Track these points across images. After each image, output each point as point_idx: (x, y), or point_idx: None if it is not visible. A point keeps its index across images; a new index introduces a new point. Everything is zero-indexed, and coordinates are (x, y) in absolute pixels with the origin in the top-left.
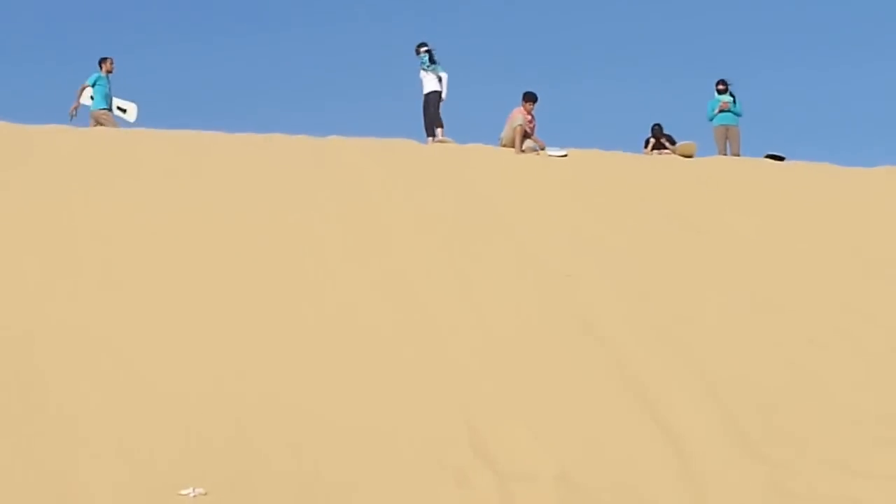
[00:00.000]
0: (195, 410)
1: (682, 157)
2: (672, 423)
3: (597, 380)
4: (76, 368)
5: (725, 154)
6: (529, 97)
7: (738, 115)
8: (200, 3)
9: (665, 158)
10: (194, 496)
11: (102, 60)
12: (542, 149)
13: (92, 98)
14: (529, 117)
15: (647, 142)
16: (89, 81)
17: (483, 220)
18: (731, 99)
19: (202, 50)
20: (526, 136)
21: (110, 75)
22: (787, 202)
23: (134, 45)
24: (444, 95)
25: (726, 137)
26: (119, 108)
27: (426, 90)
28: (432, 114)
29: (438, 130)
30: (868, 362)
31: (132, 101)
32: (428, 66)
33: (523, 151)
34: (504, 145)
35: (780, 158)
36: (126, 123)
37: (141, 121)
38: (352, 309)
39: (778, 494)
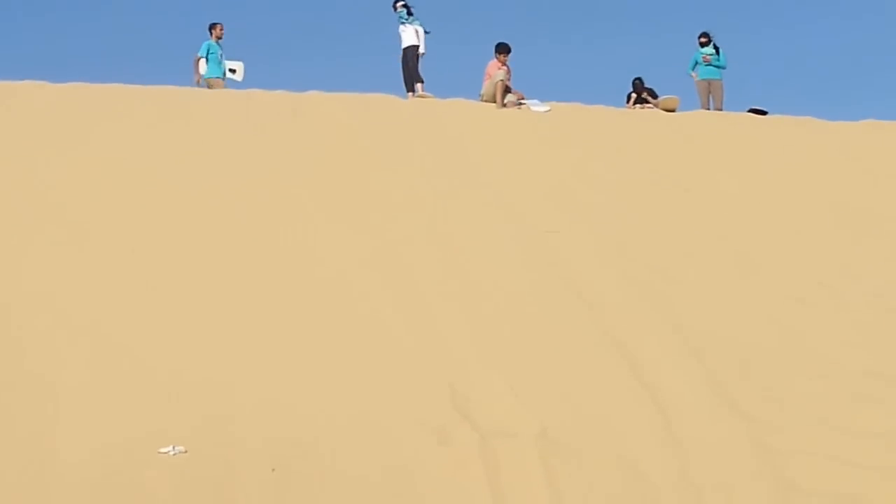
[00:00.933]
0: (175, 377)
1: (664, 112)
2: (654, 381)
3: (578, 338)
4: (54, 337)
5: (708, 108)
6: (503, 48)
7: (721, 68)
8: None
9: (647, 113)
10: (174, 454)
11: (212, 27)
12: (522, 100)
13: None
14: (505, 69)
15: (629, 97)
16: (201, 52)
17: (465, 176)
18: (714, 52)
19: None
20: (507, 90)
21: (220, 41)
22: (771, 157)
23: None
24: (422, 50)
25: (709, 91)
26: (230, 69)
27: (404, 44)
28: (412, 68)
29: (418, 85)
30: (852, 319)
31: (239, 59)
32: (406, 20)
33: (505, 105)
34: (485, 100)
35: (763, 113)
36: (235, 84)
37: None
38: (333, 272)
39: (760, 451)
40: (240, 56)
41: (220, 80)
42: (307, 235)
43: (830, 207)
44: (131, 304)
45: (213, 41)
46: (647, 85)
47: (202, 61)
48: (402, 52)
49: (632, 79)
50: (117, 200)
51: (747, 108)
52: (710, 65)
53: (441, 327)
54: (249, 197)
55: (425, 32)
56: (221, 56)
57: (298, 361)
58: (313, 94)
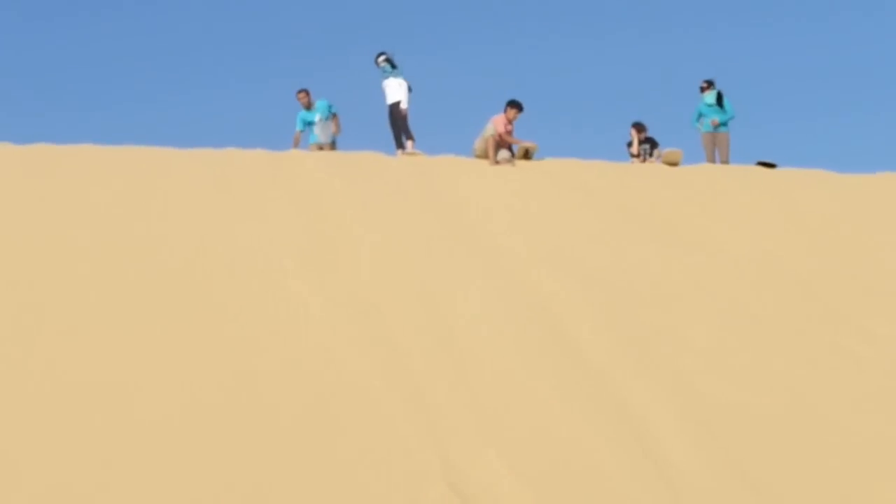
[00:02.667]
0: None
1: (667, 166)
2: (661, 453)
3: (580, 405)
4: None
5: (714, 162)
6: (514, 105)
7: (726, 122)
8: None
9: (649, 167)
10: None
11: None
12: (529, 153)
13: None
14: (510, 126)
15: (630, 144)
16: (299, 127)
17: (456, 238)
18: (716, 101)
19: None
20: (500, 144)
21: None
22: (780, 213)
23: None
24: (404, 105)
25: (714, 144)
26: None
27: (389, 101)
28: (400, 125)
29: (408, 143)
30: (868, 383)
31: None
32: (389, 73)
33: (497, 162)
34: (478, 156)
35: (772, 165)
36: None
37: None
38: (314, 341)
39: None
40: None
41: (319, 146)
42: (286, 303)
43: (844, 265)
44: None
45: (302, 109)
46: (648, 133)
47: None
48: (388, 108)
49: (631, 123)
50: (102, 271)
51: (755, 161)
52: (719, 126)
53: (431, 398)
54: (227, 260)
55: (409, 89)
56: (320, 119)
57: (281, 431)
58: (294, 153)
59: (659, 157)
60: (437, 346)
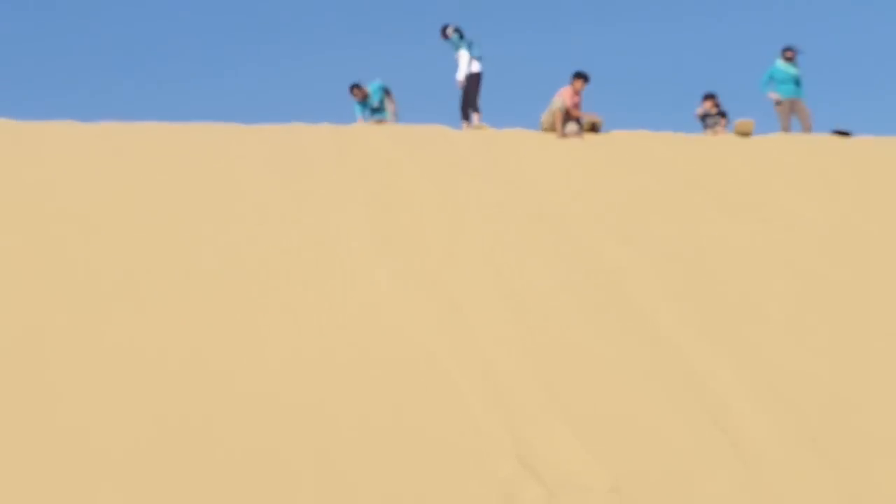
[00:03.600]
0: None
1: (738, 136)
2: (736, 428)
3: (652, 381)
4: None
5: (789, 131)
6: (580, 76)
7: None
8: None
9: (721, 139)
10: None
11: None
12: (596, 126)
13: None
14: (577, 98)
15: (701, 116)
16: (360, 114)
17: (523, 210)
18: (796, 71)
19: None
20: (568, 117)
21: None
22: (856, 185)
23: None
24: (459, 77)
25: (791, 111)
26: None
27: (464, 72)
28: (470, 97)
29: (475, 116)
30: None
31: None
32: (461, 45)
33: (565, 135)
34: (545, 129)
35: (847, 134)
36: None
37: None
38: (384, 312)
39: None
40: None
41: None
42: (356, 278)
43: None
44: (159, 336)
45: (357, 101)
46: (720, 105)
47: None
48: (462, 80)
49: (702, 95)
50: (165, 232)
51: (830, 130)
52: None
53: (502, 374)
54: (295, 240)
55: (478, 58)
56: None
57: (345, 408)
58: (360, 127)
59: (728, 125)
60: (506, 319)
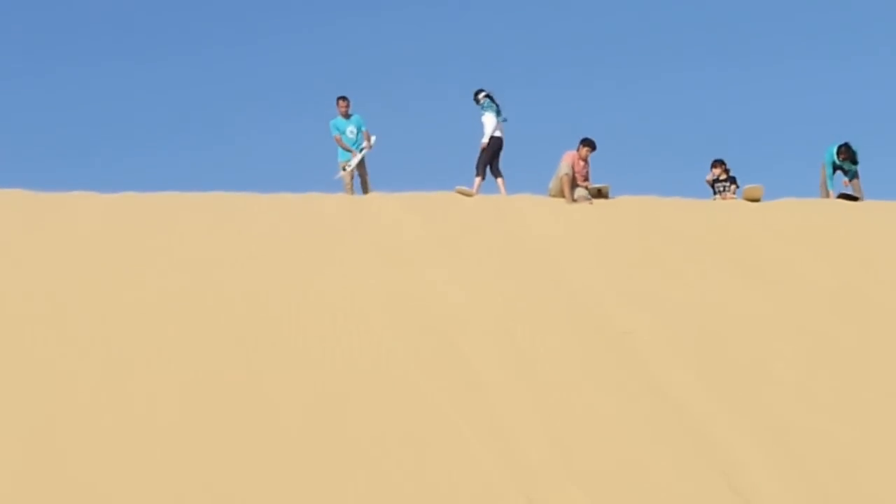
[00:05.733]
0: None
1: (748, 202)
2: (747, 488)
3: (665, 444)
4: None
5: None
6: (587, 143)
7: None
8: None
9: (730, 203)
10: None
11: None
12: (602, 192)
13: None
14: (582, 163)
15: (710, 181)
16: (335, 132)
17: (532, 274)
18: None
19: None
20: (576, 182)
21: (347, 116)
22: (866, 248)
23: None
24: (483, 140)
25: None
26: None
27: (489, 134)
28: (482, 159)
29: (499, 181)
30: None
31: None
32: (487, 109)
33: (575, 201)
34: (553, 195)
35: (854, 199)
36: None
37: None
38: (399, 380)
39: None
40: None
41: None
42: (366, 341)
43: None
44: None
45: (339, 117)
46: (729, 171)
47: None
48: (484, 141)
49: (711, 161)
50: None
51: (837, 194)
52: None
53: (512, 432)
54: (309, 301)
55: (503, 120)
56: (354, 134)
57: (366, 466)
58: (374, 196)
59: (737, 191)
60: (517, 380)
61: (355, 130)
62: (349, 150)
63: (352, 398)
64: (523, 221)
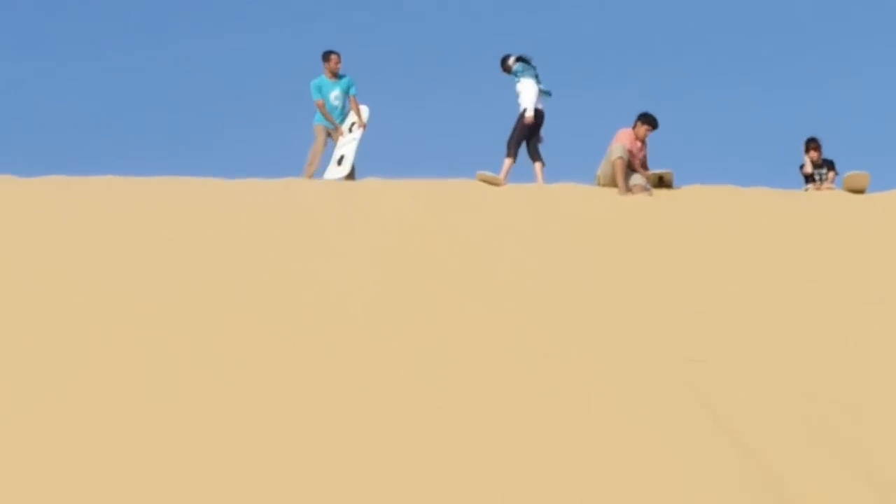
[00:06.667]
0: None
1: (850, 193)
2: None
3: (738, 496)
4: None
5: None
6: (647, 120)
7: None
8: None
9: (826, 196)
10: None
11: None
12: (665, 180)
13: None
14: (639, 144)
15: (803, 166)
16: (317, 96)
17: (576, 282)
18: None
19: None
20: (631, 168)
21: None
22: None
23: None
24: (528, 114)
25: None
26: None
27: (532, 105)
28: (516, 136)
29: (537, 166)
30: None
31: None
32: (523, 75)
33: (630, 191)
34: (602, 184)
35: None
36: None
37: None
38: (407, 398)
39: None
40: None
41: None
42: (366, 350)
43: None
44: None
45: (325, 76)
46: (825, 156)
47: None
48: (529, 115)
49: (804, 140)
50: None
51: None
52: None
53: (544, 473)
54: (295, 302)
55: (546, 93)
56: (339, 100)
57: (363, 474)
58: (370, 182)
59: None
60: (549, 413)
61: (341, 96)
62: (332, 122)
63: (349, 425)
64: (564, 215)
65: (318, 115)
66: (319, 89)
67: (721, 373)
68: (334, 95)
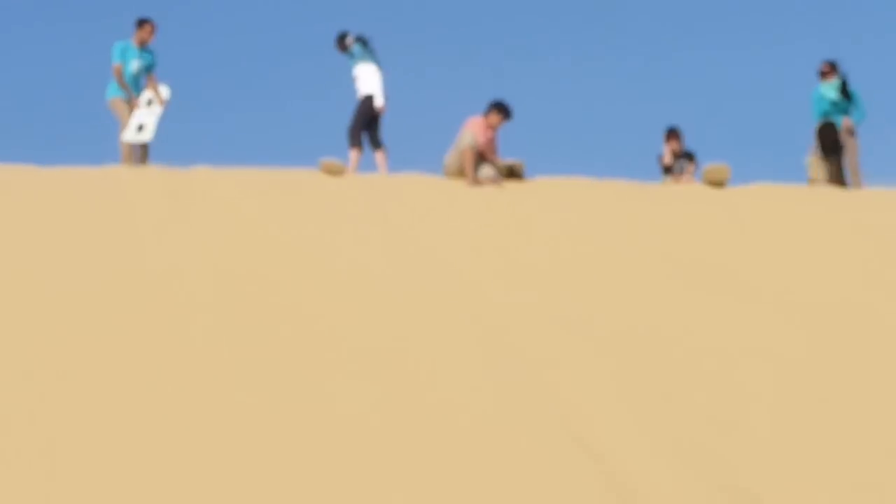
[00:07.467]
0: None
1: (709, 187)
2: None
3: (578, 496)
4: None
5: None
6: (500, 109)
7: (860, 119)
8: None
9: (685, 189)
10: None
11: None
12: (515, 171)
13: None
14: (491, 134)
15: (662, 157)
16: (118, 59)
17: (416, 284)
18: (840, 92)
19: None
20: (482, 158)
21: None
22: (867, 247)
23: None
24: (379, 102)
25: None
26: (137, 126)
27: (363, 92)
28: (368, 123)
29: (378, 154)
30: None
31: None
32: (362, 59)
33: (479, 182)
34: (450, 174)
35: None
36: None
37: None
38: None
39: None
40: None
41: (120, 100)
42: (199, 346)
43: None
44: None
45: (132, 43)
46: (685, 147)
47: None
48: (359, 102)
49: (664, 130)
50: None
51: None
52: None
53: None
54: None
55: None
56: (144, 69)
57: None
58: (201, 170)
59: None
60: (403, 432)
61: (143, 68)
62: (128, 92)
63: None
64: (409, 207)
65: (112, 87)
66: (123, 52)
67: (572, 378)
68: (136, 65)
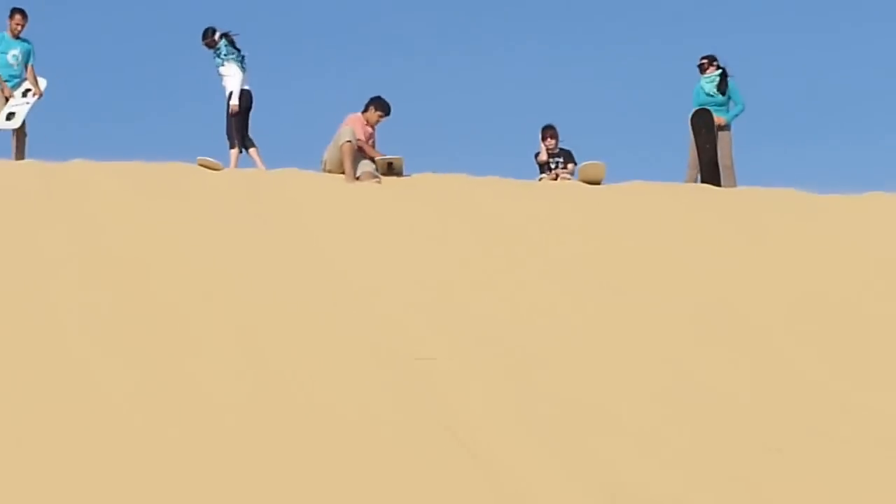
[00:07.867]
0: None
1: (585, 185)
2: None
3: (452, 488)
4: None
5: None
6: (380, 106)
7: (736, 113)
8: None
9: (562, 186)
10: None
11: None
12: (394, 167)
13: None
14: (370, 130)
15: (538, 154)
16: None
17: (296, 276)
18: (717, 87)
19: None
20: (361, 154)
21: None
22: (745, 242)
23: None
24: (234, 101)
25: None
26: (7, 113)
27: (237, 92)
28: (239, 125)
29: (252, 151)
30: None
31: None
32: (227, 57)
33: (358, 178)
34: (328, 170)
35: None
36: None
37: None
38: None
39: None
40: None
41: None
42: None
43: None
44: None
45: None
46: (562, 144)
47: None
48: (234, 103)
49: (540, 127)
50: None
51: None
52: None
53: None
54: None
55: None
56: (17, 61)
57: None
58: (76, 164)
59: (573, 171)
60: (285, 430)
61: (20, 58)
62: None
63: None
64: (287, 202)
65: None
66: None
67: (448, 372)
68: (12, 55)
